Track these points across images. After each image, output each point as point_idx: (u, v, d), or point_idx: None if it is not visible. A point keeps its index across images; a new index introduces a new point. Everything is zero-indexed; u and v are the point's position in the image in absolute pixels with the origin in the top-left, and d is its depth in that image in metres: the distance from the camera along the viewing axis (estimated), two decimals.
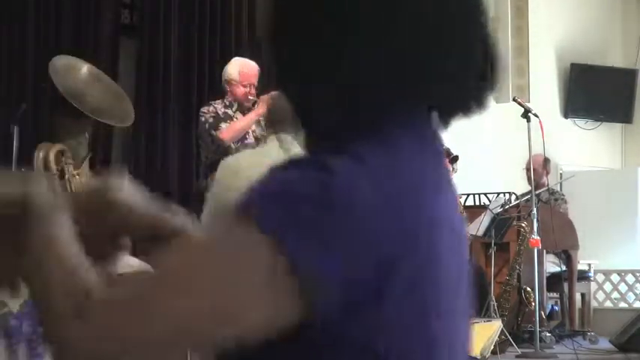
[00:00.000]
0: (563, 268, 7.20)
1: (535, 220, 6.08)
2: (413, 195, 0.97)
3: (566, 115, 9.83)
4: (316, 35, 1.02)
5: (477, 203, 7.72)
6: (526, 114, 6.09)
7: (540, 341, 6.17)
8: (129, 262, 4.78)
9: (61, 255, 0.98)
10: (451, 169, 6.87)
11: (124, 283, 1.00)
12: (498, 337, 5.69)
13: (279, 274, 0.91)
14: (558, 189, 7.87)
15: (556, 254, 7.27)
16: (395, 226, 0.95)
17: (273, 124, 4.20)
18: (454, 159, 6.35)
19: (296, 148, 3.97)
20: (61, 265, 0.98)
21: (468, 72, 1.02)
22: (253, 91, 5.74)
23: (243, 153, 4.72)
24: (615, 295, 8.68)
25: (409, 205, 0.97)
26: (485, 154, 8.62)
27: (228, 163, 4.29)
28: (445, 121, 1.06)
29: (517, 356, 6.04)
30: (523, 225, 6.69)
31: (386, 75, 1.00)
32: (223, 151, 5.61)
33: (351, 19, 1.00)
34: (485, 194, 7.73)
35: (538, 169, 7.21)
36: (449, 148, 6.19)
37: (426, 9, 1.01)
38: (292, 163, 0.97)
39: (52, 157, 4.54)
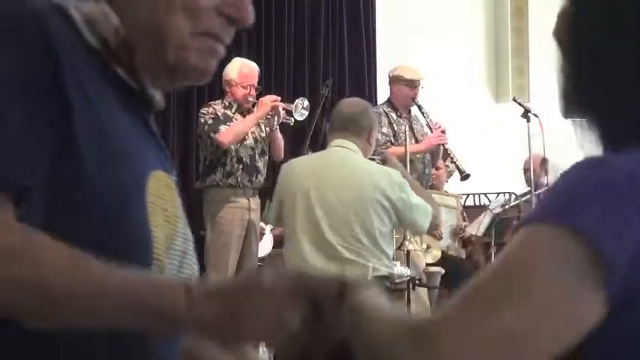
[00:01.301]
0: None
1: None
2: None
3: (566, 115, 9.81)
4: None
5: (477, 203, 7.73)
6: (526, 114, 6.07)
7: None
8: None
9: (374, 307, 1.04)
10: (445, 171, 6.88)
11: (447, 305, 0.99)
12: None
13: (589, 267, 0.95)
14: None
15: None
16: None
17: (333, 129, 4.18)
18: (466, 177, 6.34)
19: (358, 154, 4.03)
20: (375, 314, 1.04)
21: None
22: (253, 92, 5.73)
23: (303, 158, 4.60)
24: None
25: None
26: (485, 154, 8.62)
27: (285, 165, 4.32)
28: None
29: None
30: None
31: None
32: (222, 152, 5.60)
33: None
34: (485, 194, 7.73)
35: (537, 169, 7.20)
36: (462, 168, 6.21)
37: None
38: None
39: None
